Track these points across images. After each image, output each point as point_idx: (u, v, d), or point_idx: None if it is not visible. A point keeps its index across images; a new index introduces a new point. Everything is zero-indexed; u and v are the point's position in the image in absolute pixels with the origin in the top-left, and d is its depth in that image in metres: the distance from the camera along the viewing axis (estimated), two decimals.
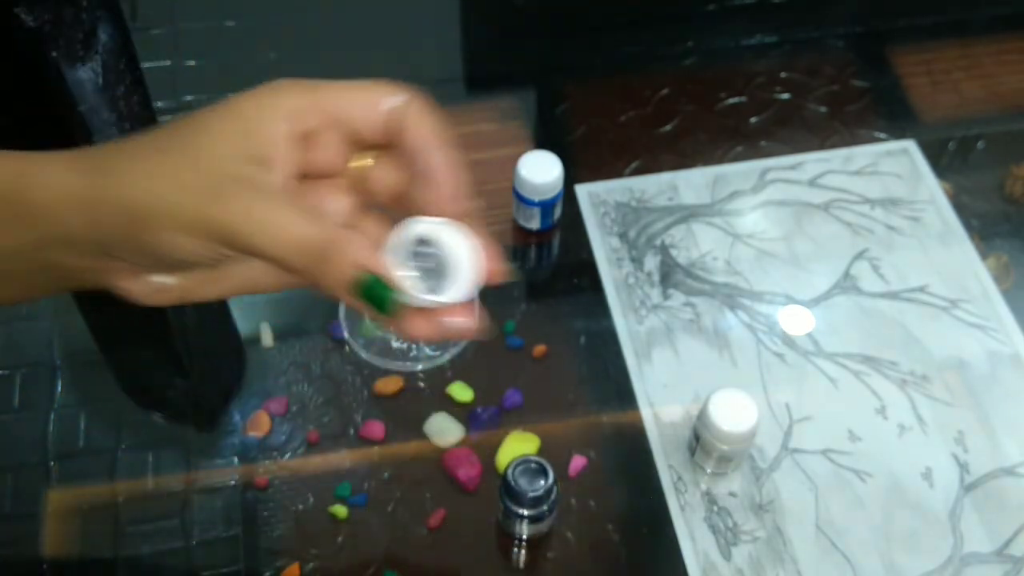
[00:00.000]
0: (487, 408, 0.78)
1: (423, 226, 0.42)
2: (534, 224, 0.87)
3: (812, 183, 0.93)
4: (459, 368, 0.80)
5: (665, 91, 1.00)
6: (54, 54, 0.70)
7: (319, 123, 0.42)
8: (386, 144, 0.44)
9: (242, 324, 0.84)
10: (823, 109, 0.99)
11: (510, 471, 0.67)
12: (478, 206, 0.44)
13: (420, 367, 0.80)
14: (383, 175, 0.45)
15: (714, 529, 0.73)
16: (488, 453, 0.76)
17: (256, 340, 0.82)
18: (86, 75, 0.73)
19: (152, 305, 0.43)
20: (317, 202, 0.44)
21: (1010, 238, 0.90)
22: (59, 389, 0.80)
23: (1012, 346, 0.82)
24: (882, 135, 0.97)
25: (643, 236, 0.89)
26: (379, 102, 0.43)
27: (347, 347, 0.81)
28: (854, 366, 0.81)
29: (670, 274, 0.86)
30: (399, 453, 0.76)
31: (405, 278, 0.41)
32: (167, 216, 0.39)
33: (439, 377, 0.80)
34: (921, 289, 0.85)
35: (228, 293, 0.44)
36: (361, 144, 0.44)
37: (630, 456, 0.77)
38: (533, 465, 0.67)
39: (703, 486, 0.75)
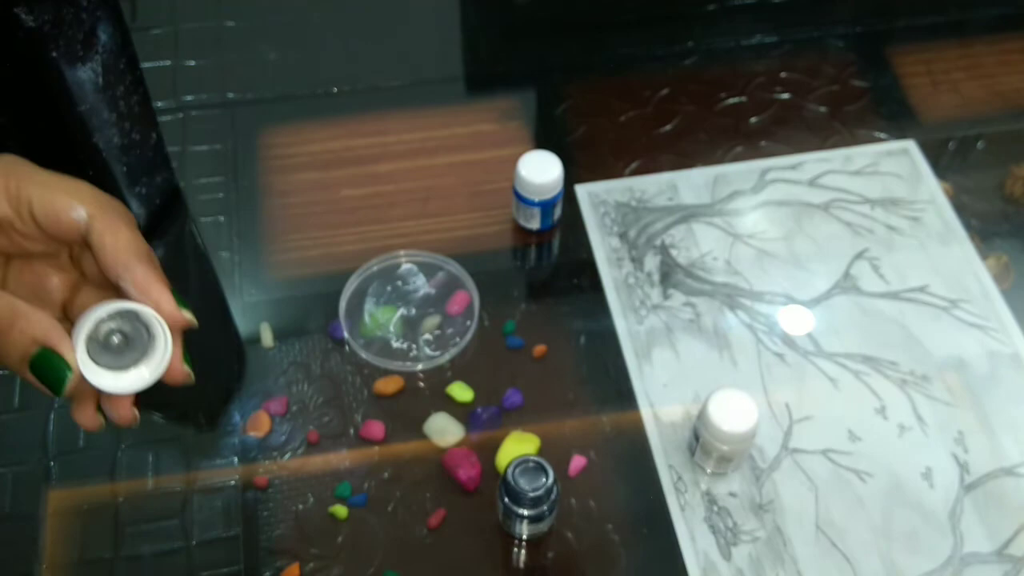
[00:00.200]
0: (487, 408, 0.78)
1: (105, 310, 0.43)
2: (534, 224, 0.87)
3: (812, 183, 0.93)
4: (459, 368, 0.80)
5: (665, 91, 1.00)
6: (54, 54, 0.70)
7: (10, 214, 0.43)
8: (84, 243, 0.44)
9: (242, 324, 0.84)
10: (823, 109, 0.99)
11: (510, 471, 0.67)
12: (188, 320, 0.46)
13: (420, 367, 0.80)
14: (92, 264, 0.45)
15: (714, 529, 0.73)
16: (488, 453, 0.76)
17: (256, 340, 0.82)
18: (86, 75, 0.73)
19: None
20: (31, 278, 0.45)
21: (1010, 238, 0.90)
22: None
23: (1012, 346, 0.82)
24: (882, 135, 0.97)
25: (643, 236, 0.89)
26: (65, 211, 0.43)
27: (347, 347, 0.81)
28: (854, 366, 0.81)
29: (670, 274, 0.86)
30: (399, 453, 0.76)
31: (85, 360, 0.42)
32: None
33: (439, 377, 0.80)
34: (921, 289, 0.85)
35: None
36: (61, 239, 0.44)
37: (630, 456, 0.77)
38: (533, 465, 0.67)
39: (703, 486, 0.75)
